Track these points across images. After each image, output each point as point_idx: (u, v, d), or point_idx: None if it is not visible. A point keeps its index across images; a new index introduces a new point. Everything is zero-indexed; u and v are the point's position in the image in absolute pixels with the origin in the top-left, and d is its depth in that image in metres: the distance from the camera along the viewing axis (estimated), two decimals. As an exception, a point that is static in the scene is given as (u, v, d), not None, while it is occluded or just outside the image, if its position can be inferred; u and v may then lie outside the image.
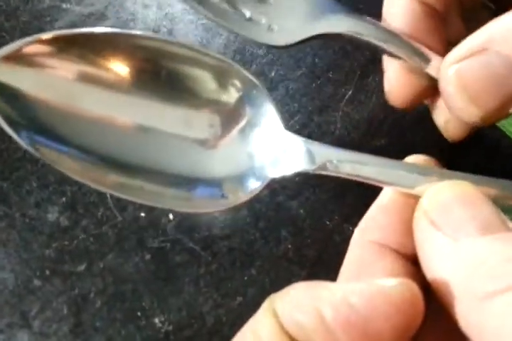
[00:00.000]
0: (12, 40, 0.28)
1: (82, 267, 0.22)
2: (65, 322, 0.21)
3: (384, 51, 0.19)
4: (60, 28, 0.29)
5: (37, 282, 0.22)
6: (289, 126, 0.25)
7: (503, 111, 0.17)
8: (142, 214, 0.23)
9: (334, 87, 0.26)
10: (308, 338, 0.12)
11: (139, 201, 0.18)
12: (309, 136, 0.25)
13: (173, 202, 0.18)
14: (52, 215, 0.23)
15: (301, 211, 0.23)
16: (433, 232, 0.14)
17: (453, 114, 0.18)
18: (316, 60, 0.27)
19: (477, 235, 0.13)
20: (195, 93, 0.19)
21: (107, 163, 0.18)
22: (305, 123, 0.25)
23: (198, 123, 0.19)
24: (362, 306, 0.12)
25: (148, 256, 0.22)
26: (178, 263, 0.22)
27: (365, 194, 0.24)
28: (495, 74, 0.16)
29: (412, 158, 0.18)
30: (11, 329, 0.21)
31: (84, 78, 0.18)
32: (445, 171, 0.17)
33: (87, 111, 0.18)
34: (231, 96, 0.19)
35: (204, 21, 0.28)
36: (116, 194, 0.18)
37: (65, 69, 0.18)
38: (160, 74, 0.19)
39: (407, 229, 0.16)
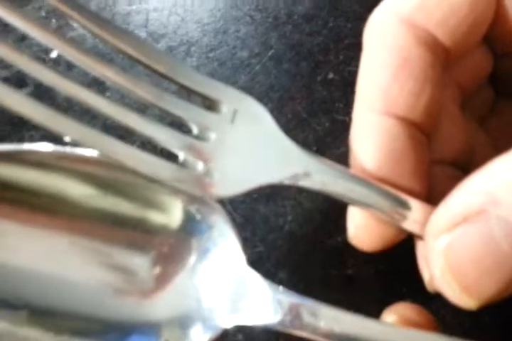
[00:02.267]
0: None
1: None
2: None
3: (349, 200, 0.15)
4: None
5: None
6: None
7: (504, 294, 0.13)
8: None
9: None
10: None
11: None
12: (253, 233, 0.21)
13: None
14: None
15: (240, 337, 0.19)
16: None
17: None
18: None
19: None
20: (133, 231, 0.16)
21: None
22: (249, 216, 0.22)
23: (134, 267, 0.16)
24: None
25: None
26: None
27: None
28: (495, 251, 0.12)
29: (396, 309, 0.16)
30: None
31: None
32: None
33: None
34: (174, 228, 0.16)
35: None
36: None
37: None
38: (96, 209, 0.15)
39: None
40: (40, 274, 0.15)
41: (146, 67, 0.15)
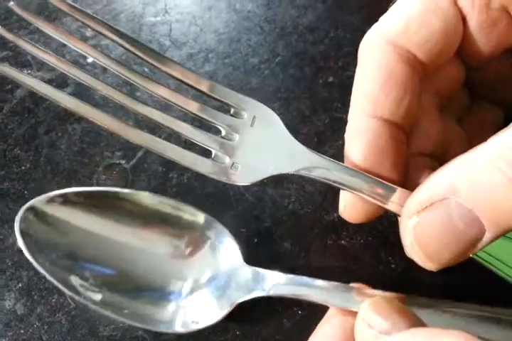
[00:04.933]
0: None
1: (36, 357, 0.22)
2: None
3: (342, 187, 0.19)
4: (21, 97, 0.29)
5: (-7, 373, 0.22)
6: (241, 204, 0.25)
7: (459, 260, 0.16)
8: (94, 301, 0.23)
9: (289, 157, 0.26)
10: None
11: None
12: (263, 211, 0.25)
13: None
14: (9, 302, 0.23)
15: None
16: (370, 332, 0.17)
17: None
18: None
19: (405, 330, 0.16)
20: (171, 229, 0.23)
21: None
22: (260, 197, 0.25)
23: (174, 246, 0.23)
24: None
25: (99, 346, 0.22)
26: (128, 353, 0.22)
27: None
28: (453, 230, 0.16)
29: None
30: None
31: (91, 223, 0.23)
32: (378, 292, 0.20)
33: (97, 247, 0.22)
34: (197, 229, 0.23)
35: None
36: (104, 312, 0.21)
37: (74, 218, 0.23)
38: (148, 219, 0.23)
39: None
40: (123, 247, 0.23)
41: (191, 87, 0.19)
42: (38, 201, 0.22)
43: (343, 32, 0.31)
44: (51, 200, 0.22)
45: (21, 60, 0.31)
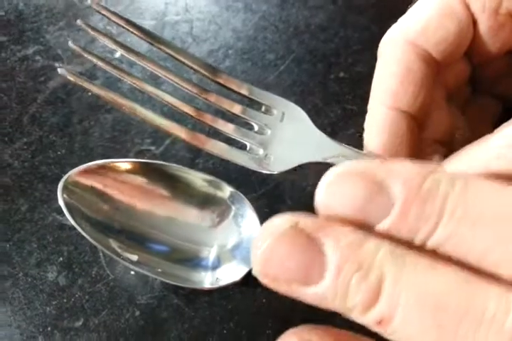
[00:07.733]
0: (10, 101, 0.30)
1: (79, 323, 0.24)
2: (64, 376, 0.24)
3: None
4: (54, 88, 0.31)
5: (41, 338, 0.24)
6: (263, 187, 0.28)
7: None
8: (132, 273, 0.25)
9: (306, 144, 0.28)
10: None
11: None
12: (283, 192, 0.27)
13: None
14: (51, 274, 0.25)
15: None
16: None
17: None
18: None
19: None
20: (200, 199, 0.26)
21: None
22: (280, 180, 0.28)
23: (203, 216, 0.26)
24: None
25: (137, 313, 0.24)
26: (164, 319, 0.24)
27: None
28: None
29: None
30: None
31: (127, 193, 0.25)
32: None
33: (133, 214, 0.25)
34: (223, 201, 0.26)
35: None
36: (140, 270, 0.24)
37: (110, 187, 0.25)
38: (179, 189, 0.26)
39: None
40: (166, 220, 0.26)
41: (229, 89, 0.22)
42: (77, 170, 0.24)
43: (351, 31, 0.33)
44: (90, 170, 0.24)
45: (52, 54, 0.33)
